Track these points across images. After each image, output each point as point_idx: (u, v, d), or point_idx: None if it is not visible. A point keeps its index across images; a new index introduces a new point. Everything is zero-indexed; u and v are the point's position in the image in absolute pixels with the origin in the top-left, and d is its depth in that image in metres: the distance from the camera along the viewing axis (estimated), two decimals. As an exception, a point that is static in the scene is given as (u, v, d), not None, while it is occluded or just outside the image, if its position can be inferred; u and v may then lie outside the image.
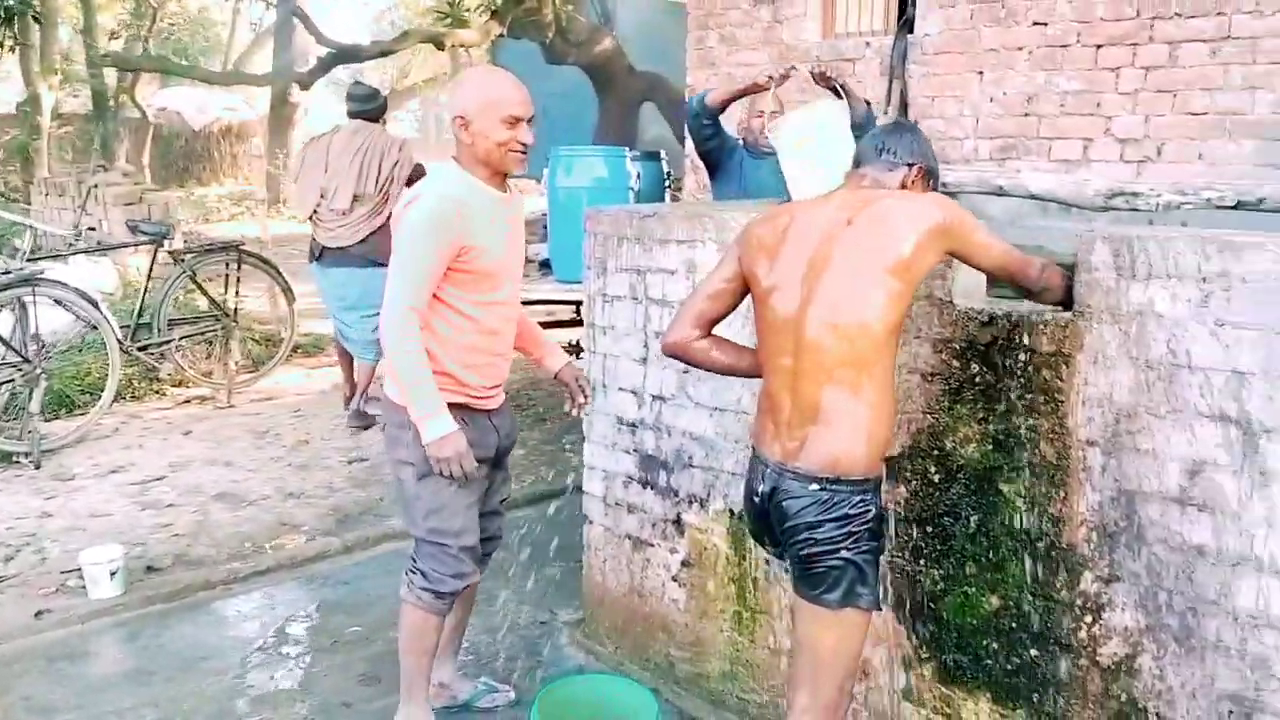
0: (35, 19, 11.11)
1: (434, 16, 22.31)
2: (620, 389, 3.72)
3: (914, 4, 5.29)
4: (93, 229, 9.06)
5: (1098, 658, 2.54)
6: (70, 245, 7.11)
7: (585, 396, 3.34)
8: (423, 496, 2.96)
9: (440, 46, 11.01)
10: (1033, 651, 2.64)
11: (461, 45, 10.87)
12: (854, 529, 2.36)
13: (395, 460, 3.02)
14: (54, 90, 16.43)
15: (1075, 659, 2.58)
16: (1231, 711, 2.34)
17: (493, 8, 10.11)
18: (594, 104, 11.70)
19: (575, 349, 5.99)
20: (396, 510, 5.03)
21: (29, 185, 15.49)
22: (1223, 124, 4.22)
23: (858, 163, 2.63)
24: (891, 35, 5.38)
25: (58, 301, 5.91)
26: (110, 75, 18.92)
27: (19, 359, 5.65)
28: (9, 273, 5.69)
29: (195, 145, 24.67)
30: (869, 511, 2.38)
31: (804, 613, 2.43)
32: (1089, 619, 2.55)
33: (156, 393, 7.09)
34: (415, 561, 3.07)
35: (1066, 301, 2.52)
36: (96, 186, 10.14)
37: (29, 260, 6.21)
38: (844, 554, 2.36)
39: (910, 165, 2.56)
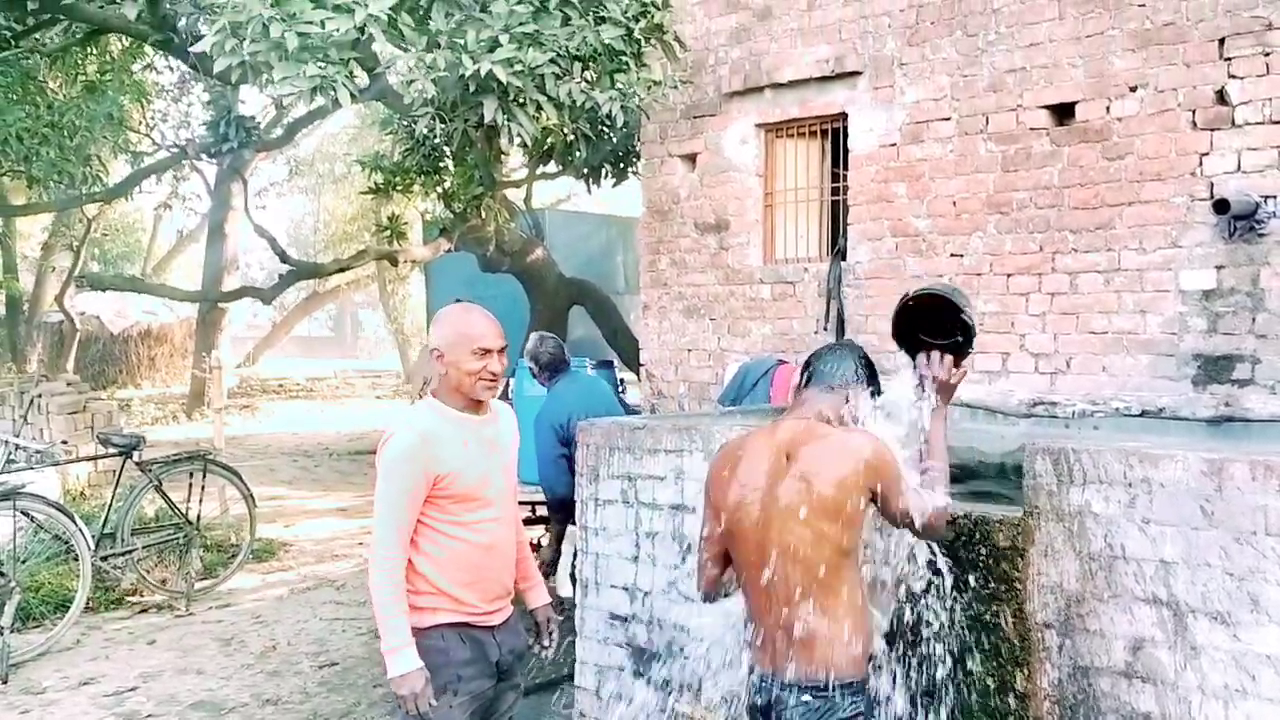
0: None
1: (365, 228, 23.33)
2: (612, 586, 4.04)
3: (845, 236, 5.99)
4: (67, 443, 9.14)
5: (1068, 820, 2.87)
6: (44, 459, 7.22)
7: (551, 640, 3.48)
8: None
9: (394, 263, 11.61)
10: (1010, 819, 2.96)
11: (412, 261, 11.49)
12: None
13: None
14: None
15: (1048, 823, 2.90)
16: None
17: (442, 226, 10.78)
18: (526, 306, 12.38)
19: (535, 546, 6.26)
20: (378, 713, 5.16)
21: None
22: (1120, 342, 4.87)
23: (803, 380, 2.88)
24: (827, 262, 6.05)
25: (24, 513, 6.02)
26: (26, 281, 19.19)
27: (-6, 572, 5.71)
28: (-9, 486, 5.82)
29: (113, 349, 24.81)
30: (859, 713, 2.62)
31: None
32: (1058, 784, 2.89)
33: (114, 603, 7.08)
34: None
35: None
36: (40, 396, 10.28)
37: (2, 474, 6.34)
38: None
39: (849, 385, 2.81)
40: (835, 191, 6.30)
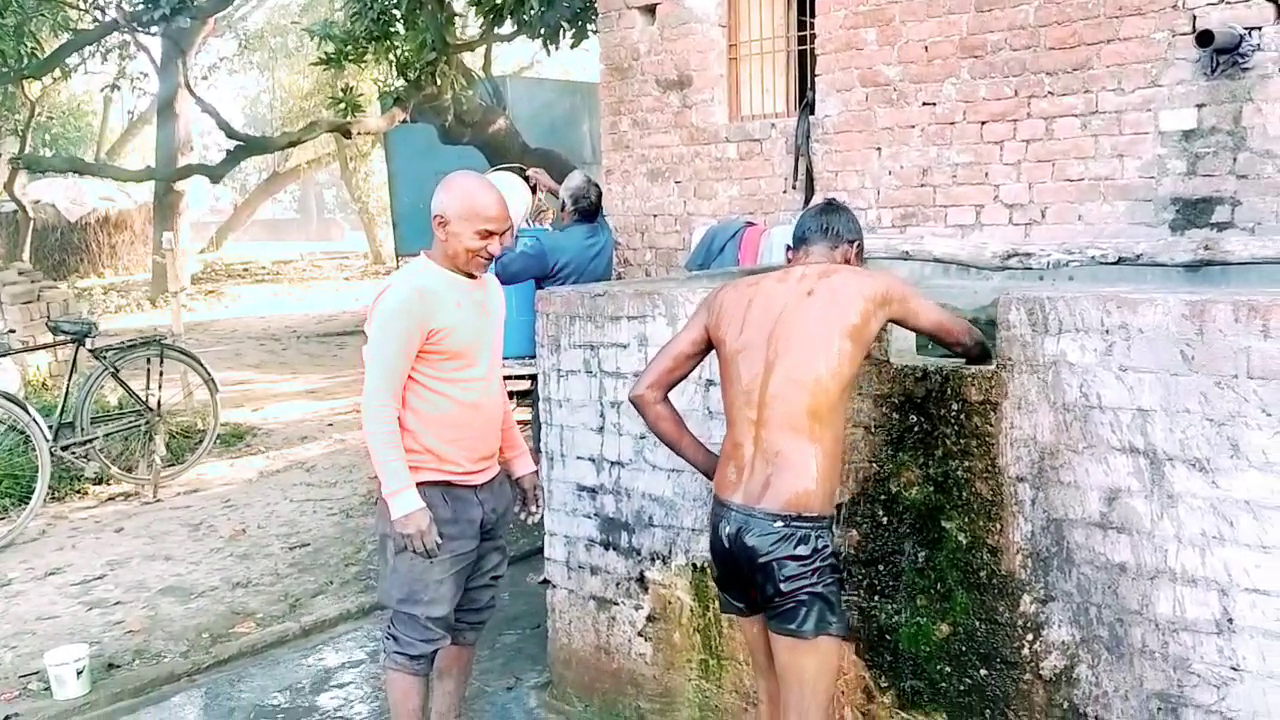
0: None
1: (323, 102, 22.58)
2: (578, 457, 3.94)
3: (814, 88, 5.73)
4: (13, 331, 8.90)
5: (1040, 671, 2.85)
6: (-8, 348, 7.01)
7: (537, 506, 3.59)
8: (399, 569, 3.15)
9: (348, 135, 11.20)
10: (982, 671, 2.93)
11: (366, 133, 11.08)
12: (818, 564, 2.64)
13: (381, 532, 3.20)
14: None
15: (1020, 674, 2.88)
16: (1160, 708, 2.66)
17: (396, 95, 10.36)
18: (489, 179, 12.03)
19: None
20: (351, 591, 5.12)
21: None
22: (1097, 188, 4.71)
23: (801, 239, 2.94)
24: (794, 117, 5.80)
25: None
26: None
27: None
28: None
29: (72, 237, 24.20)
30: (828, 547, 2.67)
31: (782, 647, 2.68)
32: (1030, 637, 2.86)
33: (78, 492, 7.00)
34: (391, 627, 3.25)
35: (984, 357, 2.89)
36: (-7, 286, 9.98)
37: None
38: (812, 588, 2.63)
39: (851, 242, 2.93)
40: (802, 41, 6.01)
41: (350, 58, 10.12)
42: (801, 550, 2.61)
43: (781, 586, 2.61)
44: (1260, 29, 4.25)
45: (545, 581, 4.09)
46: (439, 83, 10.12)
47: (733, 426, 2.78)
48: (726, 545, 2.69)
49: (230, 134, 9.54)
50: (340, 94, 10.71)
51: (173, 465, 7.38)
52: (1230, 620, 2.53)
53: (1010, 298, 2.84)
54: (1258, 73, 4.26)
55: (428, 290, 3.10)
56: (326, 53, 10.00)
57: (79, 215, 24.40)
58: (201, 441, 7.57)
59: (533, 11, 8.36)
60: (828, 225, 2.92)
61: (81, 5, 12.41)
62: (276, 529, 6.17)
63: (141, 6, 9.08)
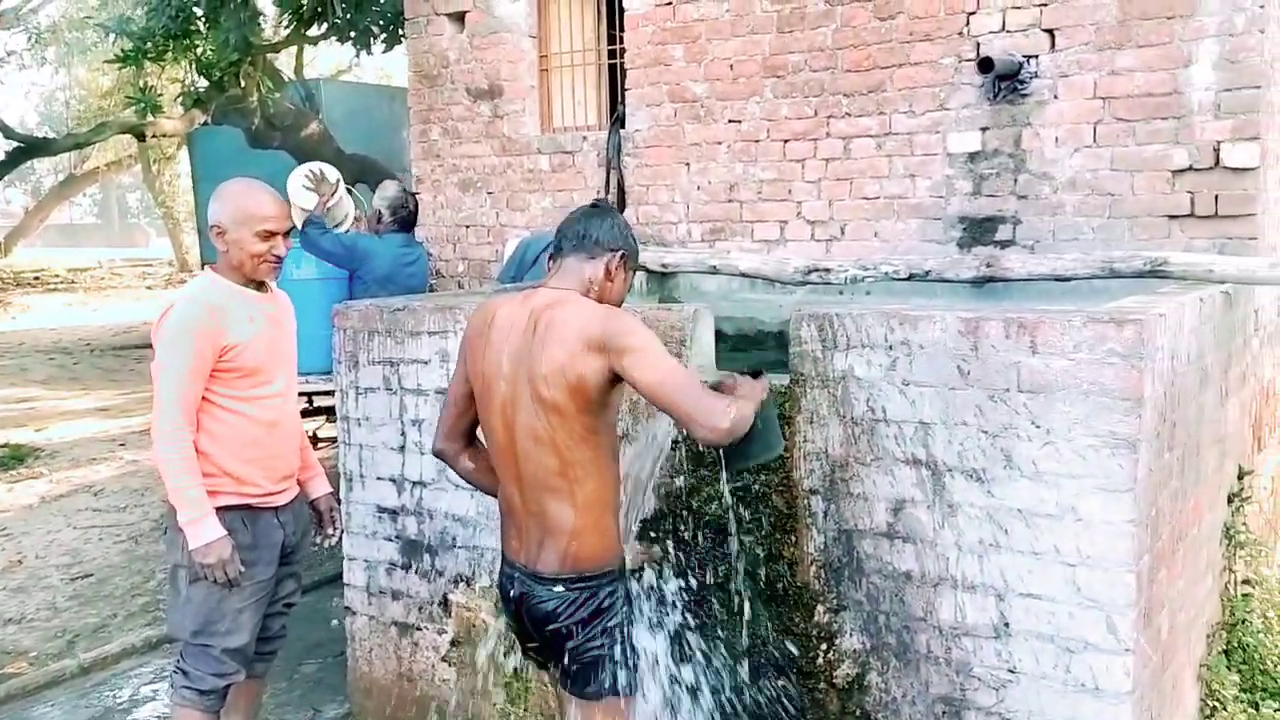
0: None
1: (123, 102, 21.34)
2: (379, 478, 3.81)
3: (624, 102, 5.74)
4: None
5: (834, 680, 2.91)
6: None
7: (335, 528, 3.47)
8: (193, 599, 2.98)
9: (141, 138, 10.58)
10: (780, 682, 2.97)
11: (163, 135, 10.49)
12: (606, 623, 2.47)
13: (171, 563, 3.01)
14: None
15: (815, 684, 2.94)
16: (944, 712, 2.75)
17: (196, 96, 9.85)
18: (297, 184, 11.61)
19: (314, 440, 5.94)
20: (137, 624, 4.81)
21: None
22: (891, 206, 4.88)
23: (559, 247, 2.58)
24: (606, 130, 5.80)
25: None
26: None
27: None
28: None
29: None
30: (615, 601, 2.49)
31: (574, 704, 2.55)
32: (824, 646, 2.92)
33: None
34: (181, 660, 3.06)
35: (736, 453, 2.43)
36: None
37: None
38: (599, 650, 2.46)
39: (614, 250, 2.52)
40: (612, 55, 6.02)
41: (149, 56, 9.56)
42: (583, 613, 2.44)
43: (568, 649, 2.46)
44: (1038, 57, 4.50)
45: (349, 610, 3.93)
46: (244, 84, 9.69)
47: (500, 482, 2.56)
48: (514, 607, 2.54)
49: (8, 134, 8.85)
50: (139, 94, 10.11)
51: (-60, 492, 6.78)
52: (1007, 624, 2.65)
53: (802, 314, 2.90)
54: (1035, 99, 4.51)
55: (216, 305, 2.97)
56: (124, 49, 9.42)
57: None
58: (-28, 466, 6.98)
59: (339, 15, 8.09)
60: (585, 232, 2.52)
61: None
62: (57, 558, 5.74)
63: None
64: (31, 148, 9.57)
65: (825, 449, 2.88)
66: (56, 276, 23.89)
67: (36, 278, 23.58)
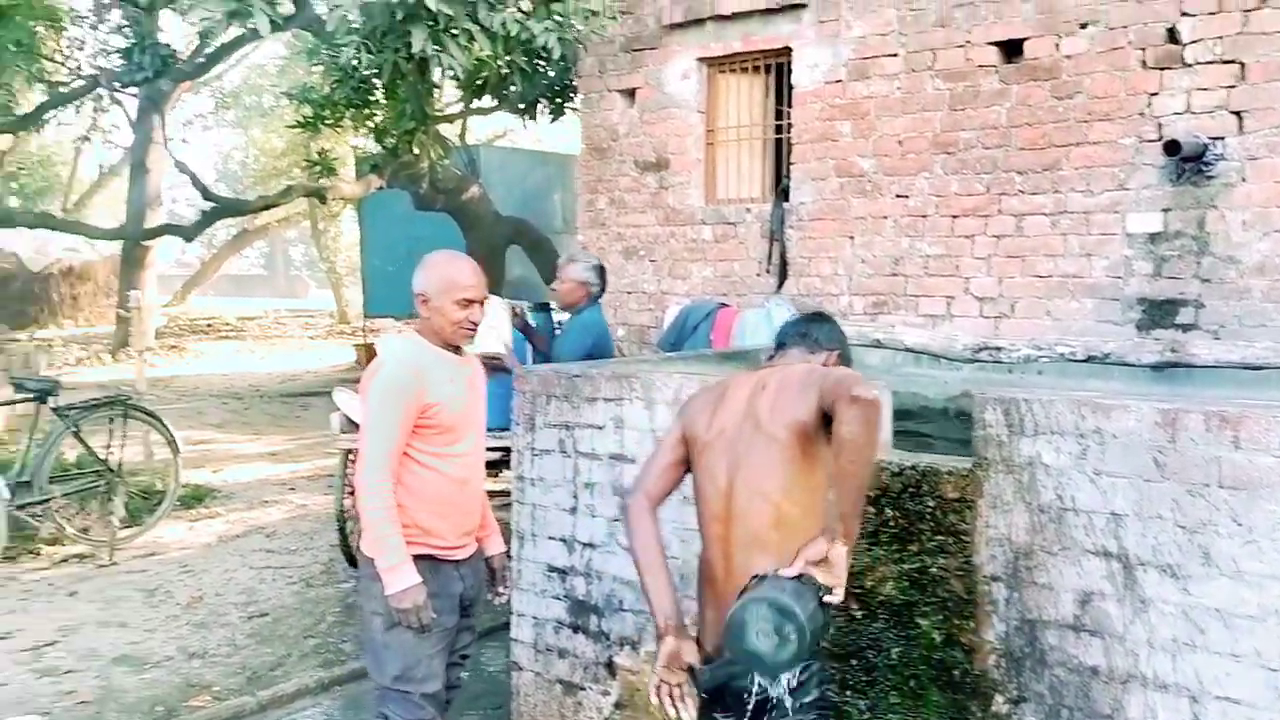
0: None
1: (295, 163, 22.68)
2: (550, 538, 3.92)
3: (789, 176, 5.85)
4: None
5: (1012, 773, 2.84)
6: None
7: (505, 586, 3.56)
8: (390, 645, 3.11)
9: (323, 200, 11.24)
10: (954, 771, 2.92)
11: (342, 198, 11.12)
12: (804, 699, 2.41)
13: (368, 610, 3.16)
14: (-111, 235, 15.91)
15: (992, 775, 2.87)
16: (1130, 814, 2.66)
17: (373, 162, 10.43)
18: (461, 246, 12.08)
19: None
20: (310, 665, 5.02)
21: None
22: (1065, 285, 4.82)
23: (780, 345, 2.82)
24: (770, 203, 5.91)
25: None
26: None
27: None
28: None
29: (33, 287, 23.98)
30: (813, 678, 2.43)
31: None
32: (1003, 738, 2.86)
33: (31, 552, 6.81)
34: (381, 705, 3.19)
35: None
36: (-48, 338, 9.84)
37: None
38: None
39: (830, 350, 2.76)
40: (779, 129, 6.14)
41: (328, 122, 10.18)
42: (776, 690, 2.39)
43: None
44: (1224, 139, 4.41)
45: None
46: (417, 151, 10.20)
47: (705, 543, 2.59)
48: (708, 676, 2.49)
49: (206, 195, 9.55)
50: (315, 157, 10.76)
51: (130, 527, 7.22)
52: (1201, 728, 2.55)
53: (987, 397, 2.89)
54: (1221, 181, 4.41)
55: (421, 367, 3.15)
56: (304, 116, 10.05)
57: (42, 265, 24.23)
58: (160, 503, 7.43)
59: (514, 88, 8.47)
60: (808, 331, 2.81)
61: (56, 58, 12.43)
62: (235, 596, 6.04)
63: (123, 68, 9.11)
64: (226, 208, 10.29)
65: (1009, 535, 2.85)
66: (227, 324, 25.35)
67: (209, 324, 25.09)
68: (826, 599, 2.30)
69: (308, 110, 10.01)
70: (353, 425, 5.90)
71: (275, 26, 5.17)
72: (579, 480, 3.83)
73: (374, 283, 17.17)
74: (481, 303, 3.27)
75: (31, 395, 6.64)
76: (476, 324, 3.26)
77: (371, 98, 10.01)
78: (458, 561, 3.27)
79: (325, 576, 6.34)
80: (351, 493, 6.35)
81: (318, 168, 10.47)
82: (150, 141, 19.95)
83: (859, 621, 3.09)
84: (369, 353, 17.86)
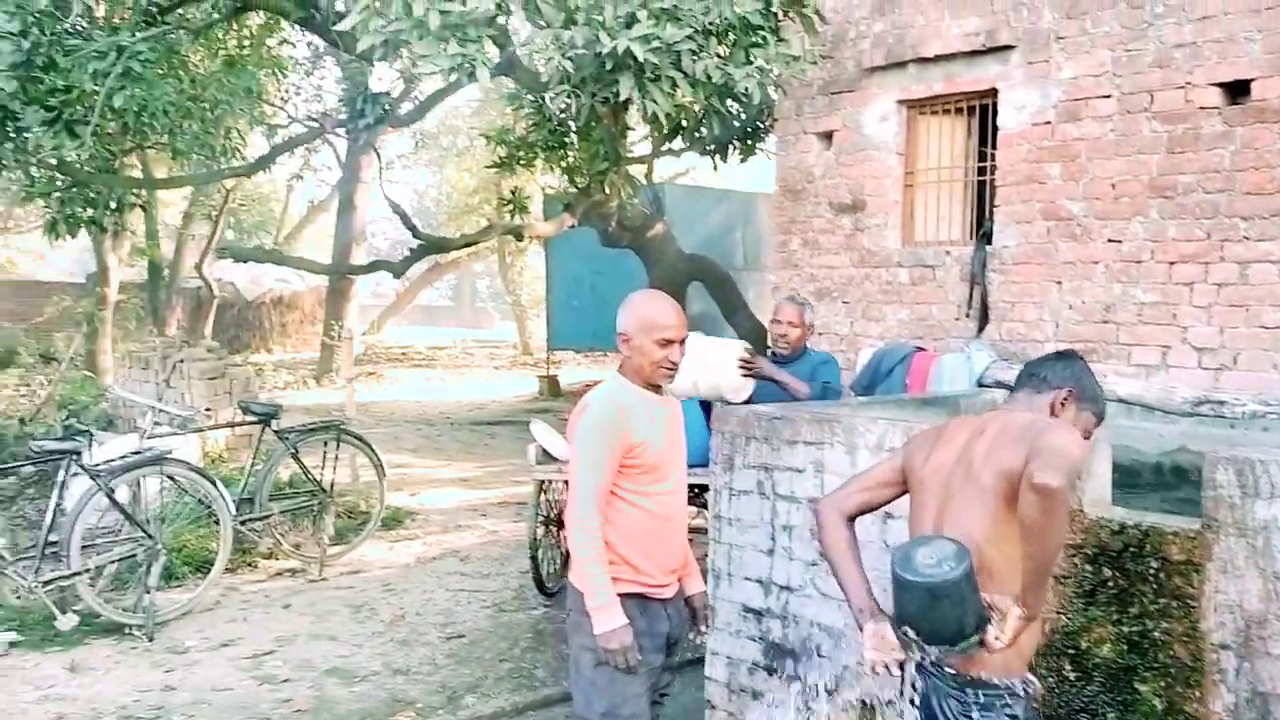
0: (142, 208, 11.93)
1: (486, 200, 23.65)
2: (746, 578, 3.96)
3: (992, 218, 5.74)
4: (209, 410, 9.50)
5: None
6: (186, 424, 7.50)
7: (707, 625, 3.56)
8: (598, 682, 3.18)
9: (519, 237, 11.70)
10: None
11: (536, 237, 11.55)
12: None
13: (577, 645, 3.26)
14: (123, 264, 17.41)
15: None
16: None
17: (566, 202, 10.79)
18: (644, 282, 12.33)
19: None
20: (504, 688, 5.20)
21: (93, 354, 16.27)
22: (1294, 337, 4.55)
23: (1015, 388, 2.81)
24: (971, 246, 5.81)
25: (169, 477, 6.26)
26: (166, 247, 20.08)
27: (142, 534, 5.94)
28: (139, 452, 6.07)
29: (247, 315, 25.89)
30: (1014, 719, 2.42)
31: None
32: (1232, 817, 2.71)
33: (249, 565, 7.32)
34: None
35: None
36: (183, 361, 10.68)
37: (149, 438, 6.60)
38: None
39: (1058, 389, 2.66)
40: (981, 172, 6.04)
41: (522, 162, 10.60)
42: (930, 655, 2.43)
43: None
44: None
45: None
46: (607, 190, 10.49)
47: None
48: (919, 704, 2.56)
49: (415, 234, 10.13)
50: (508, 195, 11.20)
51: (337, 545, 7.66)
52: None
53: (1218, 456, 2.77)
54: None
55: (626, 406, 3.23)
56: (500, 156, 10.50)
57: (256, 295, 26.13)
58: (366, 523, 7.86)
59: (708, 131, 8.64)
60: (1036, 371, 2.73)
61: (275, 103, 13.40)
62: (433, 617, 6.32)
63: (347, 115, 9.79)
64: (432, 245, 10.86)
65: (1240, 602, 2.71)
66: (419, 353, 26.58)
67: (403, 353, 26.38)
68: (984, 632, 2.34)
69: (503, 151, 10.45)
70: (548, 457, 6.11)
71: (492, 75, 5.46)
72: (777, 522, 3.86)
73: (558, 316, 17.74)
74: (681, 342, 3.31)
75: (257, 419, 7.16)
76: (676, 364, 3.30)
77: (566, 139, 10.39)
78: (664, 600, 3.32)
79: (517, 602, 6.55)
80: (544, 522, 6.57)
81: (511, 205, 10.90)
82: (357, 180, 21.31)
83: (1072, 683, 2.99)
84: (552, 384, 18.45)
